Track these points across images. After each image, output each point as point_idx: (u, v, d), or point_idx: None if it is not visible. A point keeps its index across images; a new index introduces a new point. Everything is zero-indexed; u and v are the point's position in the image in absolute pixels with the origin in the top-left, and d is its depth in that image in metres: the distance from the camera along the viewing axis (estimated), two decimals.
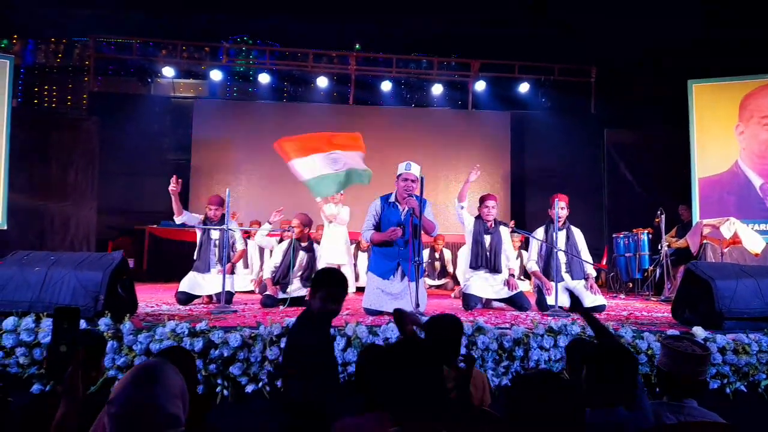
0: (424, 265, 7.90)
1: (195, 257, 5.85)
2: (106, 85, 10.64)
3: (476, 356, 3.65)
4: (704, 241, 6.78)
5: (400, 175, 4.79)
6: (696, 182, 7.87)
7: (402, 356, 1.63)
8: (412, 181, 4.70)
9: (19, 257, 4.17)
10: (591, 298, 5.31)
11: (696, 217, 7.61)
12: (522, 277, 7.41)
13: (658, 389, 2.48)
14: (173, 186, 5.48)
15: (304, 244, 5.79)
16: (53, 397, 1.94)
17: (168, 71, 10.30)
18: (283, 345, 3.38)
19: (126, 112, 9.93)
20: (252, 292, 6.83)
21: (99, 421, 1.72)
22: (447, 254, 8.71)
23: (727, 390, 3.77)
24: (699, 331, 3.90)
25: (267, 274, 5.79)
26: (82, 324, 3.42)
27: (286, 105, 11.06)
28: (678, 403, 2.24)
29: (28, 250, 4.47)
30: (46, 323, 3.54)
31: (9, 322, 3.53)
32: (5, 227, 7.41)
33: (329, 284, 2.51)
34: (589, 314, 2.72)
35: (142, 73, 10.40)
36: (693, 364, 2.23)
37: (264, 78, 10.53)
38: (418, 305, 4.36)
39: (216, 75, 10.46)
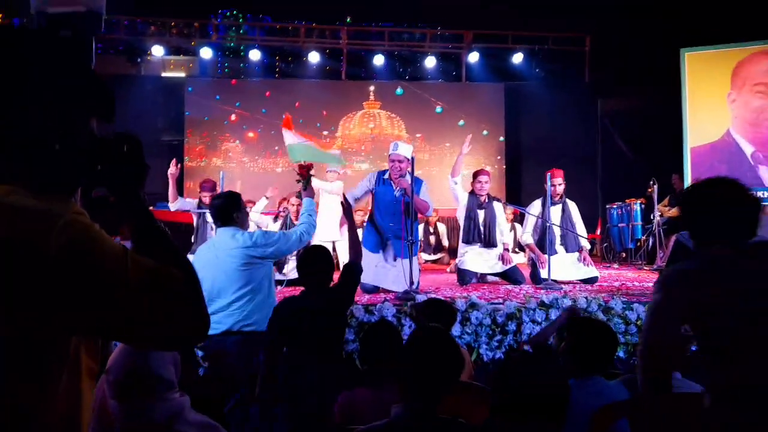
0: (420, 242, 7.87)
1: (192, 240, 5.90)
2: (96, 66, 10.50)
3: (470, 331, 3.75)
4: None
5: (389, 155, 4.83)
6: (688, 151, 7.89)
7: (423, 340, 1.70)
8: (400, 161, 4.74)
9: None
10: (584, 271, 5.42)
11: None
12: (516, 250, 7.49)
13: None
14: (172, 169, 5.52)
15: (297, 223, 5.82)
16: None
17: (157, 50, 10.18)
18: None
19: (117, 93, 9.67)
20: None
21: (99, 387, 1.83)
22: (442, 228, 8.77)
23: None
24: None
25: None
26: None
27: (279, 81, 10.97)
28: None
29: None
30: None
31: None
32: None
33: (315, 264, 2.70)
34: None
35: (131, 53, 10.27)
36: None
37: (255, 54, 10.41)
38: (412, 283, 4.44)
39: (206, 53, 10.33)
